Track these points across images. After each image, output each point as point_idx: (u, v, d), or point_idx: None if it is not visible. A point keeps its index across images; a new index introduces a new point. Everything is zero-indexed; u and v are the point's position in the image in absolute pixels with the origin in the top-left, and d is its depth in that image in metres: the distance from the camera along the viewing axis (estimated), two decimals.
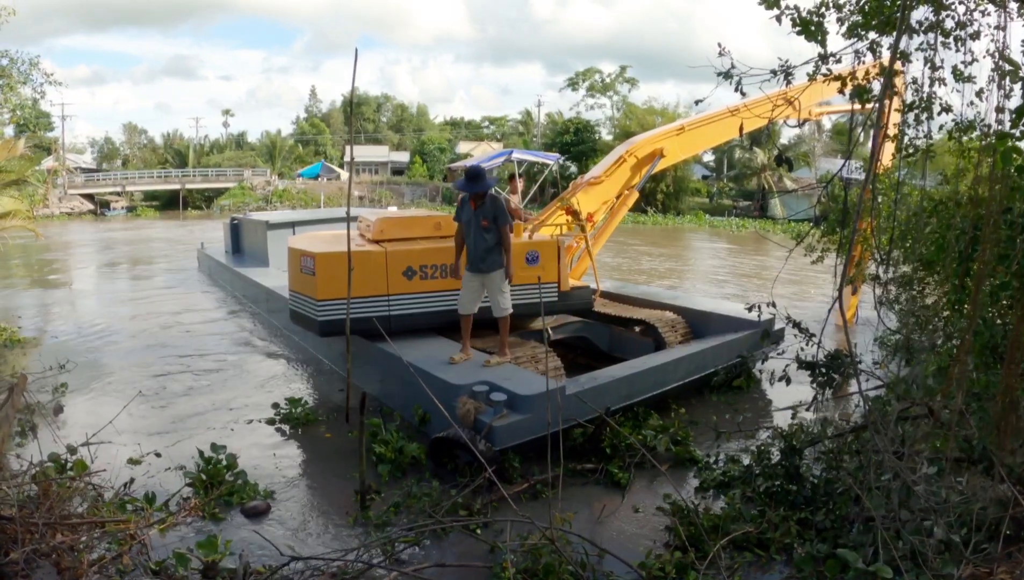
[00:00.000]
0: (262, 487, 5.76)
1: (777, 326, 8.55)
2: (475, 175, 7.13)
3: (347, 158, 71.14)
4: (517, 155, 11.51)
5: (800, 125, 7.17)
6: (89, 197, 56.60)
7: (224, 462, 5.94)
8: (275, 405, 7.77)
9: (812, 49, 5.17)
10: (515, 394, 6.21)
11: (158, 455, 6.37)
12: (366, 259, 7.79)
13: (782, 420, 6.08)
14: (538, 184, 12.47)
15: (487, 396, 6.20)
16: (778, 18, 5.19)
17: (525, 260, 8.51)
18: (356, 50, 6.11)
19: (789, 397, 6.15)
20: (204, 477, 5.76)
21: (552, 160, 12.53)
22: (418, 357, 7.13)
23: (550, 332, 8.87)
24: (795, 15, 5.16)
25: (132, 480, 5.63)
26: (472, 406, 6.07)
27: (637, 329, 9.39)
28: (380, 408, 7.53)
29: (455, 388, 6.34)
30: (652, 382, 7.44)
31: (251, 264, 15.54)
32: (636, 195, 10.46)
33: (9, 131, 17.44)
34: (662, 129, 11.06)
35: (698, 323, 9.29)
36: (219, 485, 5.68)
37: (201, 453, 5.99)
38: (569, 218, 9.75)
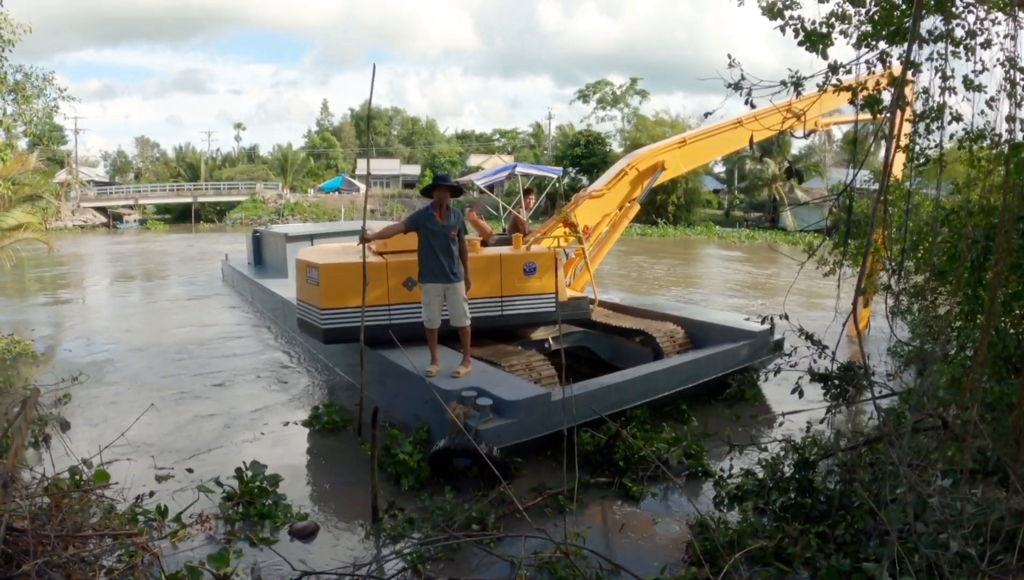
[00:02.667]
0: (295, 509, 5.63)
1: (777, 336, 8.59)
2: (447, 177, 7.72)
3: (359, 171, 71.41)
4: (521, 169, 11.55)
5: (806, 136, 7.17)
6: (102, 210, 57.07)
7: (264, 482, 5.81)
8: (315, 408, 8.06)
9: (820, 60, 5.16)
10: (501, 399, 6.43)
11: (190, 471, 6.33)
12: (368, 270, 7.86)
13: (790, 429, 6.02)
14: (544, 194, 12.47)
15: (475, 401, 6.39)
16: (782, 29, 5.19)
17: (523, 271, 8.65)
18: (374, 66, 6.22)
19: (795, 406, 6.11)
20: (245, 496, 5.65)
21: (555, 174, 12.60)
22: (415, 363, 7.23)
23: (551, 342, 8.95)
24: (798, 26, 5.15)
25: (152, 493, 5.61)
26: (461, 411, 6.22)
27: (637, 339, 9.44)
28: (391, 422, 7.51)
29: (445, 394, 6.50)
30: (642, 391, 7.56)
31: (271, 275, 15.97)
32: (637, 208, 10.56)
33: (23, 144, 17.58)
34: (664, 142, 11.07)
35: (697, 333, 9.40)
36: (251, 503, 5.58)
37: (239, 470, 5.86)
38: (567, 230, 9.78)
